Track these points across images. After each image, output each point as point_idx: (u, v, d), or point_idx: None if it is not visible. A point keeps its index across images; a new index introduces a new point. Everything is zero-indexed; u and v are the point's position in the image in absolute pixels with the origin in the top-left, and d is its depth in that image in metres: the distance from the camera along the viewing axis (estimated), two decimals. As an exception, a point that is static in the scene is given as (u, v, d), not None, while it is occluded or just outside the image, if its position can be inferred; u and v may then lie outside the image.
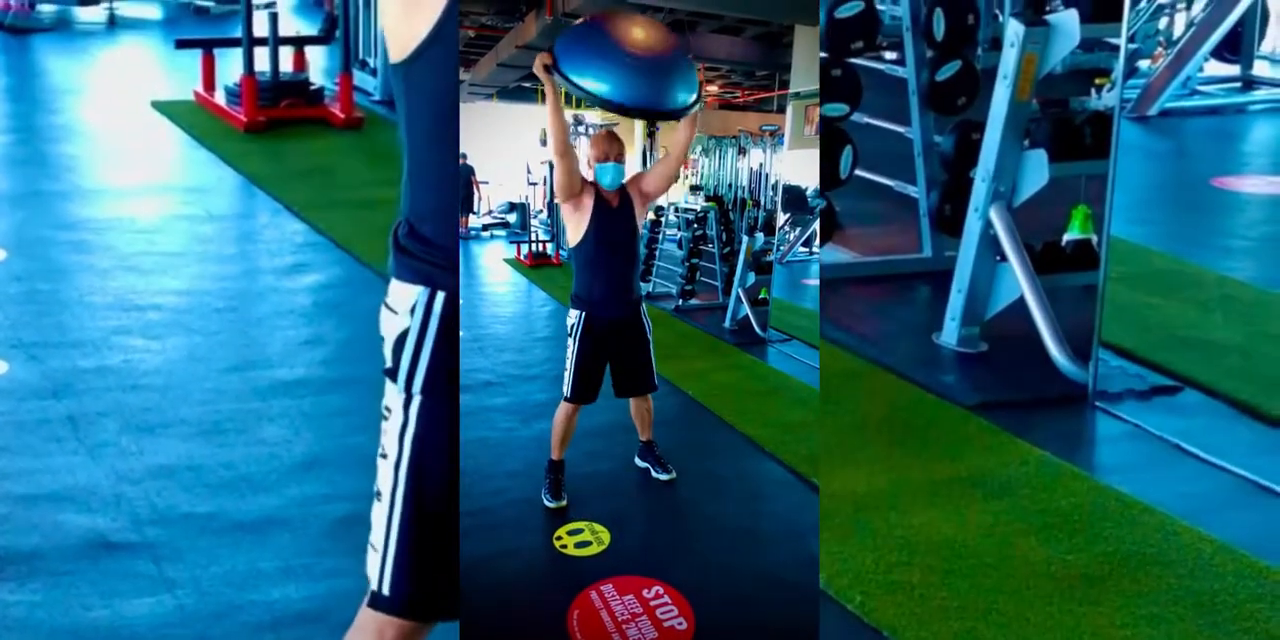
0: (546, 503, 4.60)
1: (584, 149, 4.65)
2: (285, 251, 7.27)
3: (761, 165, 13.46)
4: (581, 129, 15.76)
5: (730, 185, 14.21)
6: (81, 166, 8.92)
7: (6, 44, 13.21)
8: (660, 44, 4.12)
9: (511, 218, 18.31)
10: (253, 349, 5.83)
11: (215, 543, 4.11)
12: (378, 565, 2.30)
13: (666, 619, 3.80)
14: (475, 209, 18.03)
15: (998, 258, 5.64)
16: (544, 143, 17.23)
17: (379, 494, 2.32)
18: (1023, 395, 5.36)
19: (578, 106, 17.36)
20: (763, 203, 12.39)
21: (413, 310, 2.27)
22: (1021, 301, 5.55)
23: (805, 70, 10.39)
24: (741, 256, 8.57)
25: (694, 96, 4.16)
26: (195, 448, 4.79)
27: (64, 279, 6.49)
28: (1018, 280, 5.52)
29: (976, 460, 4.75)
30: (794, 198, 11.14)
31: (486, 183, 18.38)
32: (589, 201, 4.48)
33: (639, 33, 4.09)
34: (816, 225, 8.40)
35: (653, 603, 3.88)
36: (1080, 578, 3.94)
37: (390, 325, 2.30)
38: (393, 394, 2.31)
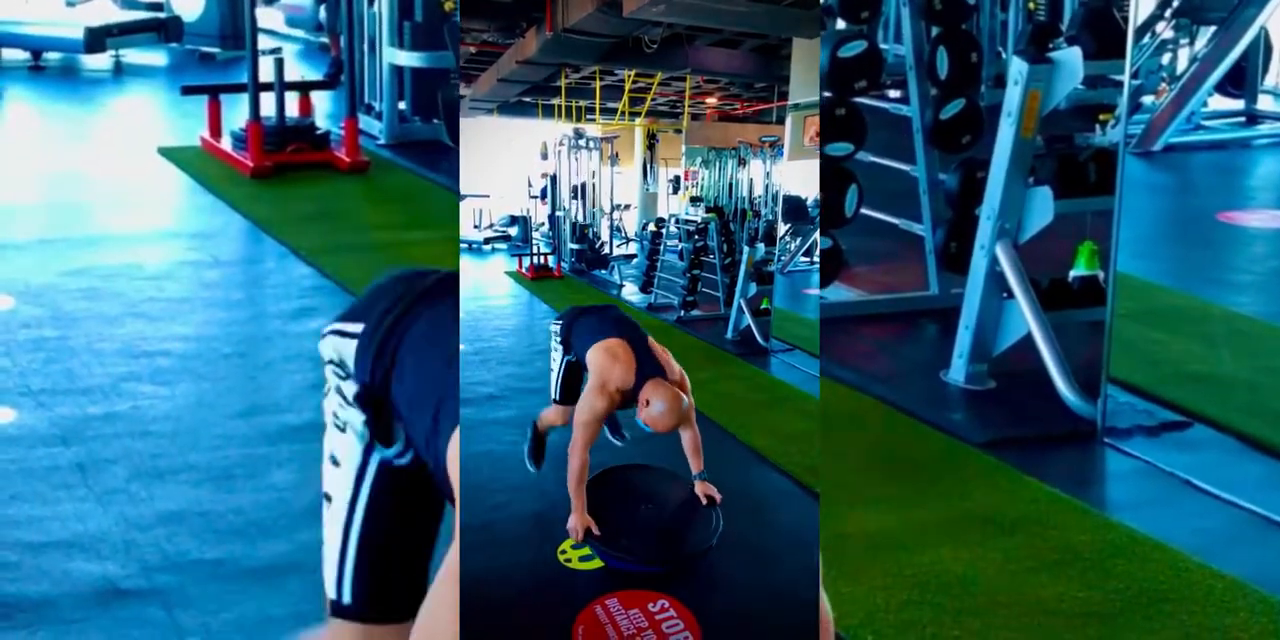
0: (530, 468, 4.65)
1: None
2: (292, 296, 7.28)
3: (766, 175, 13.47)
4: (581, 142, 15.84)
5: (731, 195, 14.24)
6: (89, 213, 8.94)
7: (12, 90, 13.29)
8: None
9: (513, 231, 18.37)
10: (261, 394, 5.83)
11: (226, 589, 4.10)
12: (334, 572, 2.26)
13: (672, 634, 3.78)
14: (477, 223, 18.15)
15: (1004, 295, 5.64)
16: (544, 156, 17.31)
17: (329, 498, 2.26)
18: (1031, 432, 5.35)
19: (578, 120, 17.43)
20: (763, 213, 12.41)
21: None
22: (1029, 338, 5.54)
23: (803, 82, 10.40)
24: (743, 267, 8.56)
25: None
26: (204, 494, 4.78)
27: (72, 326, 6.50)
28: (1025, 317, 5.52)
29: (986, 498, 4.74)
30: (794, 208, 11.14)
31: (487, 196, 18.43)
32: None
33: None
34: (818, 234, 8.43)
35: (658, 617, 3.86)
36: (1092, 615, 3.93)
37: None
38: (348, 444, 2.27)
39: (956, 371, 5.81)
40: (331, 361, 2.26)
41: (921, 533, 4.47)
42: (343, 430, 2.24)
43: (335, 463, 2.25)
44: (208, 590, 4.09)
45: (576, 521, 4.10)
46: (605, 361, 4.32)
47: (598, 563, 4.29)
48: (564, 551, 4.38)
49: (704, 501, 4.39)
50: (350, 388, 2.20)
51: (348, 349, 2.24)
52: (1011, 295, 5.60)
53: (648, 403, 4.26)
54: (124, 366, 6.00)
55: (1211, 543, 4.40)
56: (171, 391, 5.77)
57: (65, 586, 4.08)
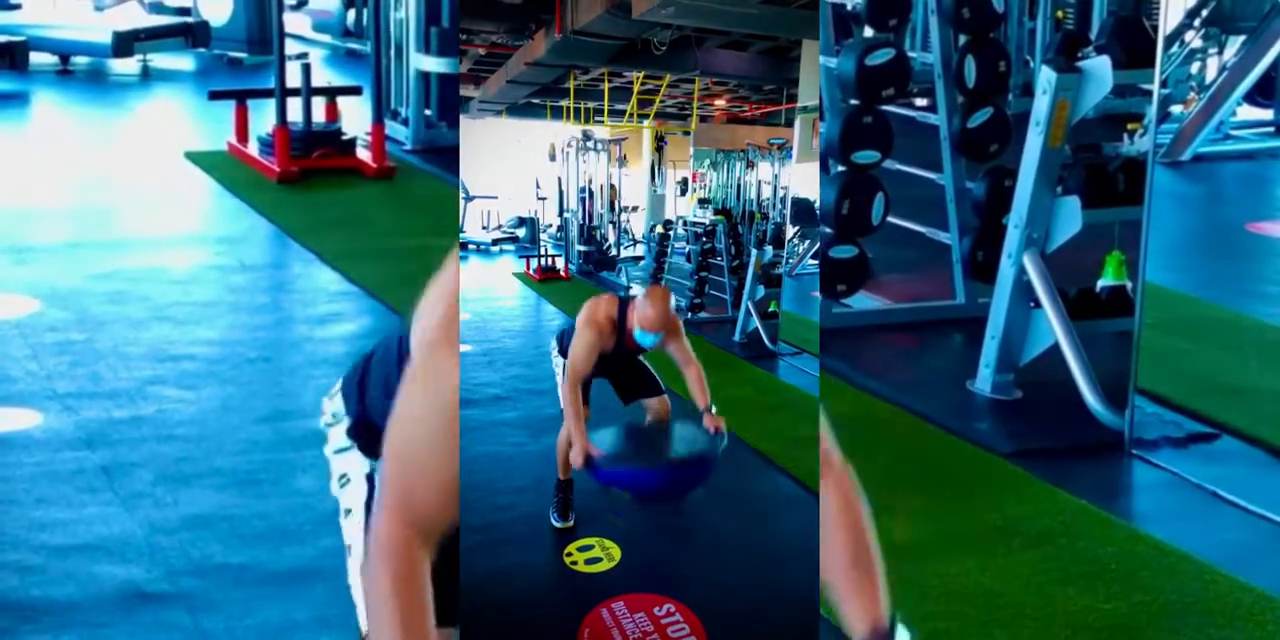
0: (554, 523, 4.61)
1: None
2: (318, 301, 7.29)
3: (774, 177, 13.46)
4: (590, 144, 15.85)
5: (739, 197, 14.25)
6: (116, 217, 8.96)
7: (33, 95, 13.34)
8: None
9: (521, 232, 18.46)
10: (286, 399, 5.83)
11: (250, 594, 4.10)
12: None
13: (678, 637, 3.78)
14: (486, 224, 18.35)
15: (1032, 304, 5.63)
16: (552, 158, 17.36)
17: (349, 548, 2.33)
18: (1058, 443, 5.33)
19: (586, 122, 17.47)
20: (771, 216, 12.40)
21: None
22: (1056, 348, 5.52)
23: (812, 84, 10.42)
24: (751, 269, 8.56)
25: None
26: (229, 498, 4.78)
27: (98, 329, 6.51)
28: (1052, 327, 5.51)
29: (1013, 508, 4.72)
30: (802, 210, 11.13)
31: (495, 198, 18.54)
32: (610, 344, 4.49)
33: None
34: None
35: (664, 621, 3.86)
36: (1119, 627, 3.90)
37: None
38: (353, 461, 2.36)
39: (983, 381, 5.79)
40: (329, 424, 2.62)
41: (948, 543, 4.45)
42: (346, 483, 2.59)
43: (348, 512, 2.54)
44: (232, 595, 4.09)
45: (579, 449, 4.01)
46: (591, 301, 4.38)
47: (604, 566, 4.29)
48: (570, 554, 4.38)
49: (711, 431, 4.30)
50: (342, 428, 2.27)
51: (338, 401, 2.59)
52: (1039, 305, 5.58)
53: (641, 307, 4.30)
54: (149, 370, 6.01)
55: (1239, 555, 4.38)
56: (197, 395, 5.78)
57: (90, 590, 4.08)
